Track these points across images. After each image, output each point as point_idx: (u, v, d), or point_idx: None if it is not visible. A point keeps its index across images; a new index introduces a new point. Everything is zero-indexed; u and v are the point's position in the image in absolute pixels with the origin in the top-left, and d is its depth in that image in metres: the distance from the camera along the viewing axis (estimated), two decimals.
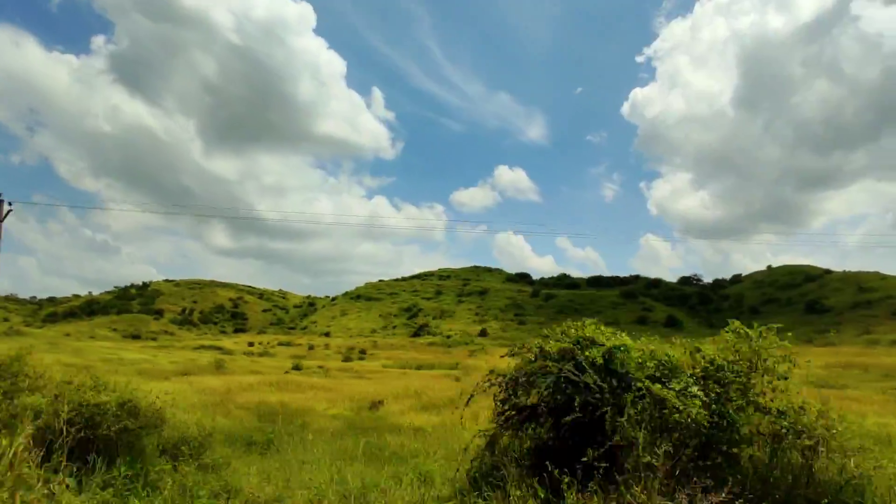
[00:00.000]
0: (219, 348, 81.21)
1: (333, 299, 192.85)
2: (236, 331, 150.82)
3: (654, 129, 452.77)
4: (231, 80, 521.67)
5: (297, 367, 41.36)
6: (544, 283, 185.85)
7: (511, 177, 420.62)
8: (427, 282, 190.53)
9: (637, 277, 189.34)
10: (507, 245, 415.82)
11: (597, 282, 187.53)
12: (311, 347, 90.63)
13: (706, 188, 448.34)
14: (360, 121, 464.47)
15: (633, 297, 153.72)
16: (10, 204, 21.92)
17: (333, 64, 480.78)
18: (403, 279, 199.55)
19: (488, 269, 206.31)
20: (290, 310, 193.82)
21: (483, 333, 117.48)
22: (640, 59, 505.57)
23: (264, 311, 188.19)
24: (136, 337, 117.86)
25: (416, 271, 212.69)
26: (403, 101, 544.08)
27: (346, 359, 62.05)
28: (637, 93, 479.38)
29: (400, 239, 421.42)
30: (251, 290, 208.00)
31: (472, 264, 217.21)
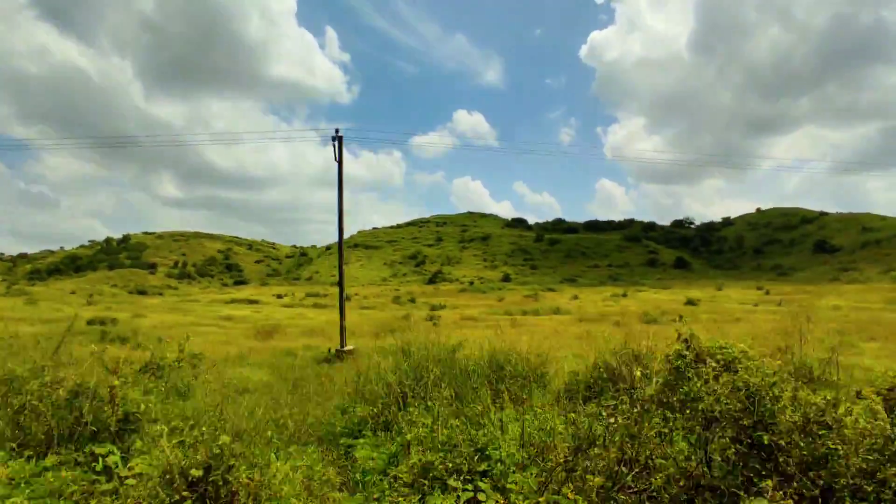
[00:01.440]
0: (254, 301, 77.42)
1: (328, 248, 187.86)
2: (236, 283, 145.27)
3: (611, 73, 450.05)
4: (171, 16, 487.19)
5: (432, 315, 38.77)
6: (543, 227, 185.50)
7: (470, 121, 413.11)
8: (425, 229, 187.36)
9: (633, 221, 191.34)
10: (465, 190, 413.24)
11: (594, 226, 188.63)
12: (347, 298, 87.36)
13: (660, 133, 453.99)
14: (314, 63, 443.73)
15: (636, 241, 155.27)
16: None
17: (283, 0, 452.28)
18: (399, 226, 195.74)
19: (483, 215, 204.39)
20: (284, 260, 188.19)
21: (506, 279, 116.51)
22: (599, 0, 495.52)
23: (257, 262, 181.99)
24: (141, 293, 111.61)
25: (408, 219, 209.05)
26: (358, 41, 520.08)
27: (434, 308, 59.44)
28: (595, 35, 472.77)
29: (358, 186, 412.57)
30: (239, 241, 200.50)
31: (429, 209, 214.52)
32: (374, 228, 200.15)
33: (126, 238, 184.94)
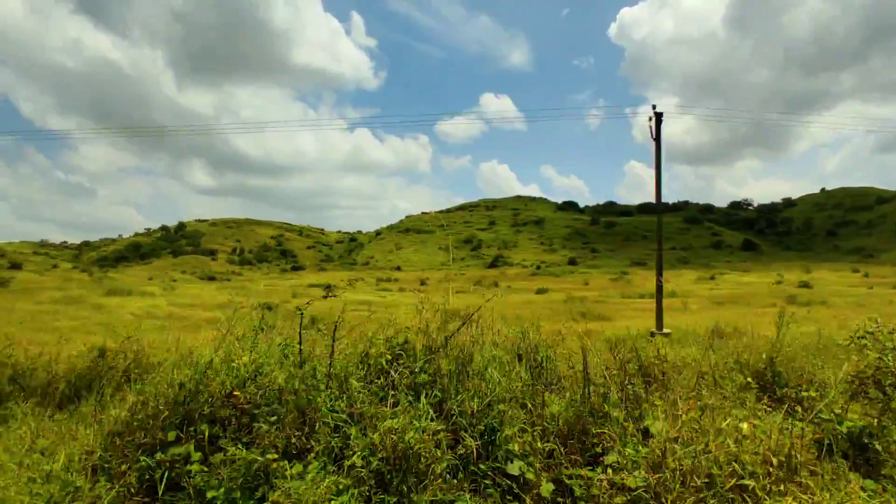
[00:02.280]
0: (328, 286, 77.40)
1: (378, 233, 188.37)
2: (294, 269, 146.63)
3: (641, 52, 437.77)
4: (201, 7, 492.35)
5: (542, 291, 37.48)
6: (596, 210, 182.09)
7: (497, 104, 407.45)
8: (475, 213, 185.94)
9: (688, 203, 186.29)
10: (491, 174, 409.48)
11: (646, 208, 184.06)
12: (422, 283, 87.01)
13: (693, 113, 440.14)
14: (340, 49, 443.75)
15: (696, 223, 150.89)
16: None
17: None
18: (449, 211, 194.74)
19: (533, 199, 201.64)
20: (334, 245, 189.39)
21: (572, 262, 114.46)
22: None
23: (308, 247, 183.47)
24: (211, 279, 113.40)
25: (453, 204, 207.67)
26: (383, 26, 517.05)
27: (540, 291, 58.35)
28: (625, 13, 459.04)
29: (384, 171, 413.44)
30: (290, 227, 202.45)
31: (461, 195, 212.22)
32: (423, 213, 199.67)
33: (182, 225, 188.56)
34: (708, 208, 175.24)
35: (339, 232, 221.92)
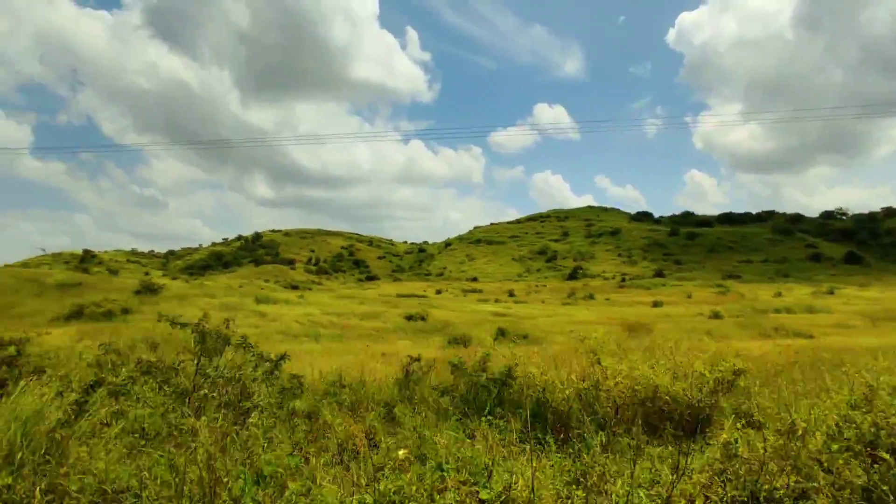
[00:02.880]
0: (421, 296, 77.00)
1: (448, 244, 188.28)
2: (368, 279, 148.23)
3: (702, 57, 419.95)
4: (265, 28, 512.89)
5: (717, 315, 34.92)
6: (673, 220, 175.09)
7: (551, 114, 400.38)
8: (547, 223, 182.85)
9: (773, 213, 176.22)
10: (544, 185, 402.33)
11: (727, 219, 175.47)
12: (511, 294, 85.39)
13: (758, 119, 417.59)
14: (395, 63, 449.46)
15: (787, 234, 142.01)
16: None
17: (365, 3, 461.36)
18: (519, 221, 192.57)
19: (605, 209, 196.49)
20: (404, 256, 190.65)
21: (659, 274, 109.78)
22: None
23: (379, 258, 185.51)
24: (294, 287, 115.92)
25: (518, 215, 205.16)
26: (438, 40, 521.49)
27: (657, 304, 55.73)
28: (685, 17, 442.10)
29: (437, 183, 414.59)
30: (359, 238, 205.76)
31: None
32: (491, 224, 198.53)
33: (258, 236, 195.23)
34: (797, 218, 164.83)
35: (406, 242, 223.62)
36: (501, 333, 20.86)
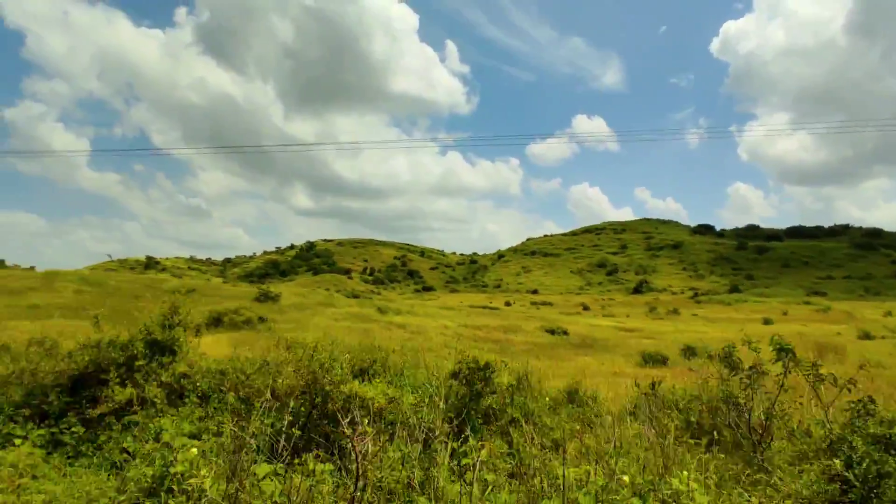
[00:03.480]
0: (492, 307, 74.86)
1: (501, 256, 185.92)
2: (425, 289, 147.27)
3: (748, 67, 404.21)
4: (308, 42, 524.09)
5: (867, 335, 31.64)
6: (740, 234, 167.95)
7: (589, 126, 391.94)
8: (603, 236, 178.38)
9: (848, 227, 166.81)
10: (582, 197, 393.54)
11: (797, 232, 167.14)
12: (585, 307, 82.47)
13: (808, 129, 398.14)
14: (435, 76, 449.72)
15: (869, 248, 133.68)
16: None
17: (406, 18, 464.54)
18: (575, 234, 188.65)
19: (663, 222, 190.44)
20: (456, 267, 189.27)
21: (735, 289, 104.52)
22: None
23: (431, 269, 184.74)
24: (355, 296, 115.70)
25: (576, 228, 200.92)
26: (476, 52, 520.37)
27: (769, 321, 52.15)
28: (730, 26, 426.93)
29: (475, 194, 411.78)
30: (411, 248, 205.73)
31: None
32: (545, 236, 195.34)
33: (312, 245, 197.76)
34: (876, 232, 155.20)
35: (454, 253, 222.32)
36: (691, 351, 18.72)
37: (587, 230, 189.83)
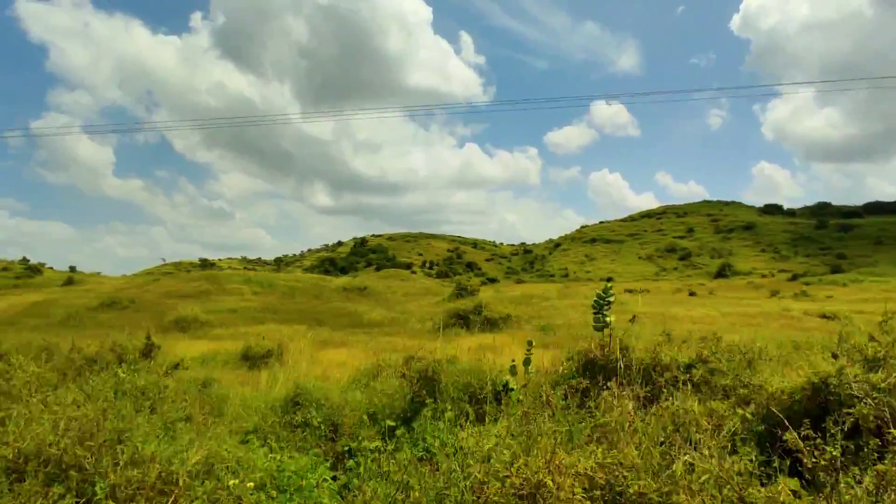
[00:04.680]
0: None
1: (557, 244, 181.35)
2: (490, 280, 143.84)
3: (771, 43, 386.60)
4: (322, 41, 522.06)
5: None
6: (814, 212, 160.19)
7: (608, 112, 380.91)
8: (664, 220, 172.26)
9: None
10: (602, 184, 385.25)
11: (878, 208, 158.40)
12: (691, 293, 77.75)
13: (834, 104, 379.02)
14: (450, 68, 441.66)
15: None
16: None
17: (419, 12, 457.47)
18: (633, 219, 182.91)
19: (725, 203, 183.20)
20: (511, 258, 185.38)
21: (837, 270, 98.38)
22: None
23: (487, 260, 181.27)
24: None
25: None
26: (491, 43, 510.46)
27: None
28: (751, 2, 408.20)
29: (493, 185, 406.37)
30: (463, 241, 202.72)
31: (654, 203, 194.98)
32: (601, 222, 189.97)
33: (364, 241, 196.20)
34: None
35: (500, 244, 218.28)
36: None
37: (646, 215, 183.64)
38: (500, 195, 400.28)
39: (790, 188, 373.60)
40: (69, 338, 10.12)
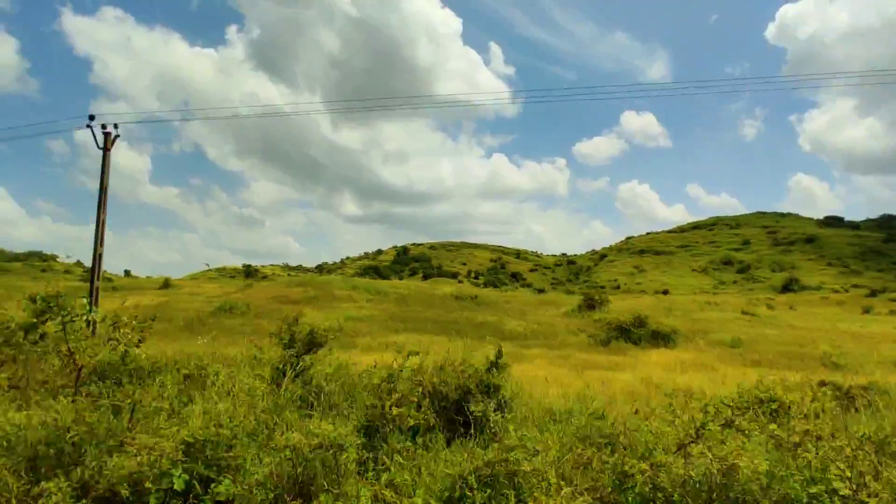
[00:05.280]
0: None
1: (603, 256, 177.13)
2: (539, 291, 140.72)
3: (808, 51, 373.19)
4: (353, 52, 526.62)
5: None
6: (880, 224, 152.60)
7: (639, 122, 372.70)
8: (716, 232, 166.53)
9: None
10: (631, 195, 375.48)
11: None
12: (770, 307, 73.62)
13: (876, 114, 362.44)
14: (479, 79, 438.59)
15: None
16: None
17: (449, 23, 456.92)
18: (683, 230, 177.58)
19: (782, 215, 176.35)
20: (554, 268, 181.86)
21: None
22: None
23: (531, 270, 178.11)
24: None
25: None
26: (520, 53, 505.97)
27: None
28: (787, 10, 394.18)
29: (521, 196, 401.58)
30: (504, 251, 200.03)
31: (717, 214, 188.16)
32: (648, 233, 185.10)
33: (406, 249, 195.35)
34: None
35: (545, 255, 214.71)
36: None
37: (696, 226, 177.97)
38: (527, 206, 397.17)
39: (828, 200, 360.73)
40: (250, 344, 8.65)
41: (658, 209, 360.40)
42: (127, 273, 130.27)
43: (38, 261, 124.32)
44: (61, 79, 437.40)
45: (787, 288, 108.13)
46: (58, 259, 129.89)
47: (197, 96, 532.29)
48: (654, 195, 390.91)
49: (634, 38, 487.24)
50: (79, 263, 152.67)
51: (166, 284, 53.83)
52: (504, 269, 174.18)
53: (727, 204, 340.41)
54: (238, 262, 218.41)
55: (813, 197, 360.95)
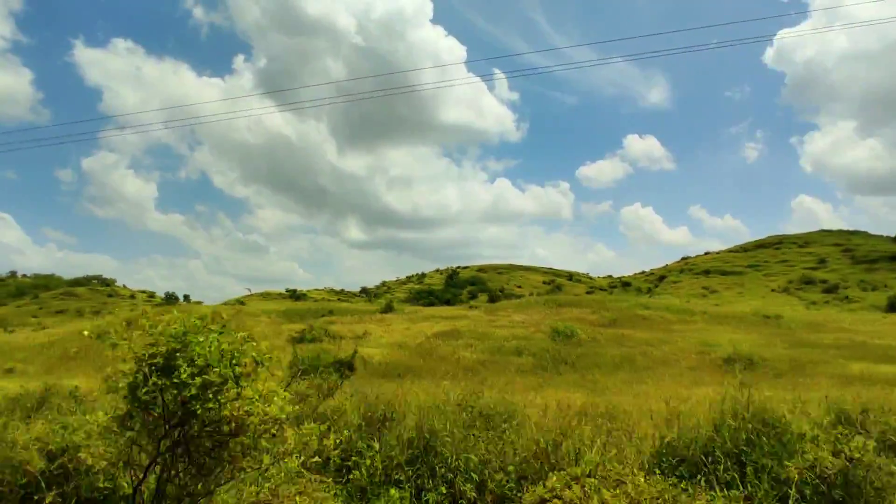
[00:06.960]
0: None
1: (662, 277, 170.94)
2: None
3: (807, 75, 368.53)
4: (360, 80, 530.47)
5: None
6: None
7: (642, 146, 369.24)
8: (784, 250, 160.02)
9: None
10: (634, 218, 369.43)
11: None
12: None
13: (877, 135, 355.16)
14: (484, 105, 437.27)
15: None
16: None
17: (454, 51, 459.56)
18: (745, 250, 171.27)
19: (851, 232, 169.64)
20: (612, 290, 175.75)
21: None
22: None
23: (587, 293, 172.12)
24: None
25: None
26: (523, 80, 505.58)
27: None
28: (784, 35, 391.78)
29: (525, 220, 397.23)
30: (556, 273, 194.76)
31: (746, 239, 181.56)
32: (707, 253, 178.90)
33: (455, 272, 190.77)
34: None
35: (598, 277, 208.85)
36: None
37: (760, 244, 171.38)
38: (532, 229, 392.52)
39: (832, 222, 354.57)
40: None
41: (662, 231, 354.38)
42: (186, 298, 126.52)
43: (100, 285, 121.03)
44: (72, 108, 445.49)
45: (893, 307, 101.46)
46: (115, 284, 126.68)
47: (203, 124, 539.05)
48: (657, 217, 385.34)
49: (634, 63, 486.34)
50: (125, 287, 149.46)
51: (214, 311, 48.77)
52: (560, 290, 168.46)
53: (731, 226, 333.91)
54: (232, 289, 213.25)
55: (816, 218, 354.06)
